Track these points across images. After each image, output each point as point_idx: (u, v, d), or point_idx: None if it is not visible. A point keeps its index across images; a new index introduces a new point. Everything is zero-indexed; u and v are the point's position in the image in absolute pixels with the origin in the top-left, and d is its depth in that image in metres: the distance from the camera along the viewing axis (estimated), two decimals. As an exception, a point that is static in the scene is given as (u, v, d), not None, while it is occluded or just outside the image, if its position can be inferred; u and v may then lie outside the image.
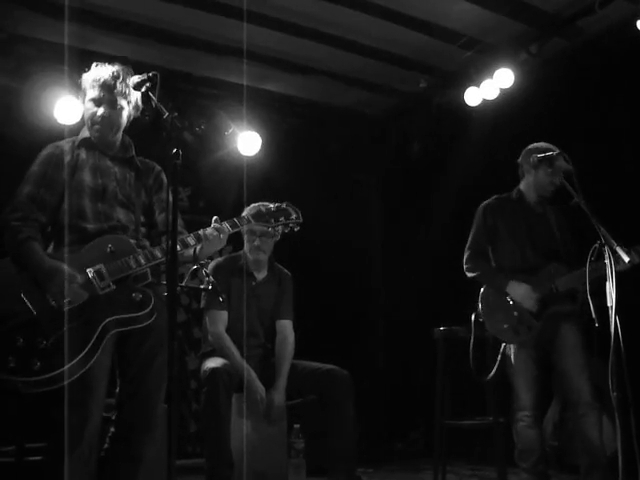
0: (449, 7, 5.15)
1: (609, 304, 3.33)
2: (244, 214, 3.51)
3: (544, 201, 4.34)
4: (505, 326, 4.12)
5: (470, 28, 5.50)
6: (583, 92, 5.29)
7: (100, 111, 3.19)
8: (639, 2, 4.80)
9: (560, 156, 4.05)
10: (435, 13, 5.27)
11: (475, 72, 5.83)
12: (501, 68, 5.60)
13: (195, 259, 3.24)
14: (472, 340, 4.25)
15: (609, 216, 3.69)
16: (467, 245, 4.40)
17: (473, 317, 4.28)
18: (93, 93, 3.19)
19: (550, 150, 4.14)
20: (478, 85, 5.82)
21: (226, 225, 3.23)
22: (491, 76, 5.68)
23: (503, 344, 4.17)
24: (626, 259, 3.52)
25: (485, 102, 5.85)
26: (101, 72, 3.20)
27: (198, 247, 3.17)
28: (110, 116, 3.20)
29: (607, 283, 3.35)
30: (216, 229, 3.18)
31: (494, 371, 4.17)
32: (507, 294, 4.15)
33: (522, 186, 4.38)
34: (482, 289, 4.28)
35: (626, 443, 3.38)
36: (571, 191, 3.87)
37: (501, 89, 5.70)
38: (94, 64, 3.25)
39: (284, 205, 3.46)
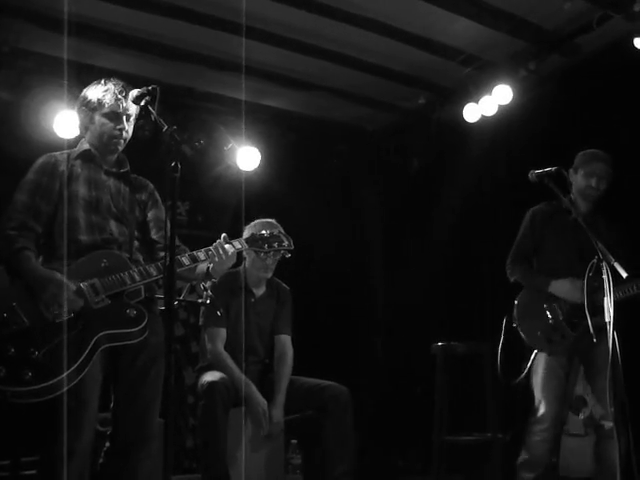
0: (448, 24, 5.16)
1: (607, 319, 3.32)
2: (245, 234, 3.56)
3: (595, 210, 4.22)
4: (538, 333, 4.05)
5: (469, 45, 5.52)
6: (581, 109, 5.30)
7: (119, 125, 3.21)
8: (636, 20, 4.82)
9: (598, 158, 3.97)
10: (435, 30, 5.29)
11: (474, 89, 5.84)
12: (500, 85, 5.61)
13: (207, 275, 3.29)
14: (501, 343, 4.15)
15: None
16: (512, 250, 4.30)
17: (505, 321, 4.17)
18: (109, 108, 3.20)
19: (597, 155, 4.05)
20: (477, 101, 5.83)
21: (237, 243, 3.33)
22: (490, 92, 5.69)
23: (535, 352, 4.08)
24: (624, 274, 3.50)
25: (484, 118, 5.85)
26: (113, 87, 3.22)
27: (210, 265, 3.23)
28: (127, 130, 3.25)
29: (605, 298, 3.34)
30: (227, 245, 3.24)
31: (523, 374, 4.05)
32: (549, 296, 4.06)
33: (572, 193, 4.25)
34: (520, 294, 4.19)
35: (625, 458, 3.37)
36: (569, 207, 3.87)
37: (500, 105, 5.71)
38: (102, 80, 3.27)
39: (276, 232, 3.55)
